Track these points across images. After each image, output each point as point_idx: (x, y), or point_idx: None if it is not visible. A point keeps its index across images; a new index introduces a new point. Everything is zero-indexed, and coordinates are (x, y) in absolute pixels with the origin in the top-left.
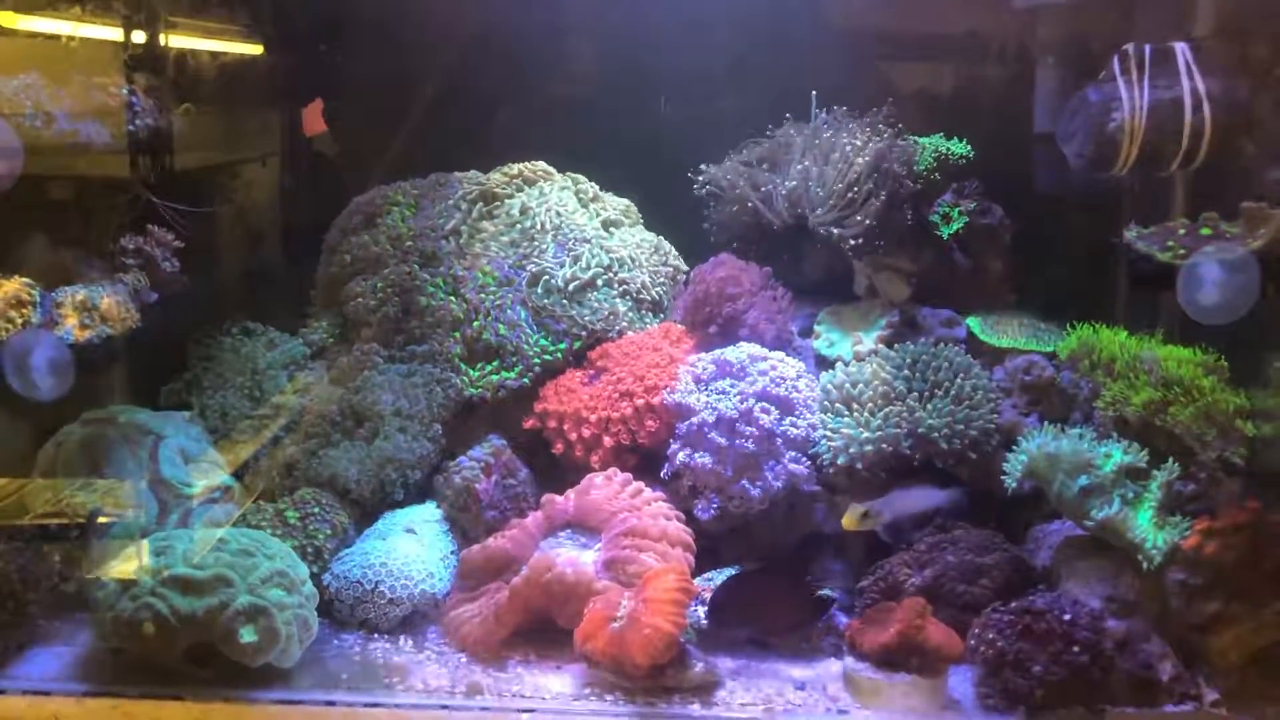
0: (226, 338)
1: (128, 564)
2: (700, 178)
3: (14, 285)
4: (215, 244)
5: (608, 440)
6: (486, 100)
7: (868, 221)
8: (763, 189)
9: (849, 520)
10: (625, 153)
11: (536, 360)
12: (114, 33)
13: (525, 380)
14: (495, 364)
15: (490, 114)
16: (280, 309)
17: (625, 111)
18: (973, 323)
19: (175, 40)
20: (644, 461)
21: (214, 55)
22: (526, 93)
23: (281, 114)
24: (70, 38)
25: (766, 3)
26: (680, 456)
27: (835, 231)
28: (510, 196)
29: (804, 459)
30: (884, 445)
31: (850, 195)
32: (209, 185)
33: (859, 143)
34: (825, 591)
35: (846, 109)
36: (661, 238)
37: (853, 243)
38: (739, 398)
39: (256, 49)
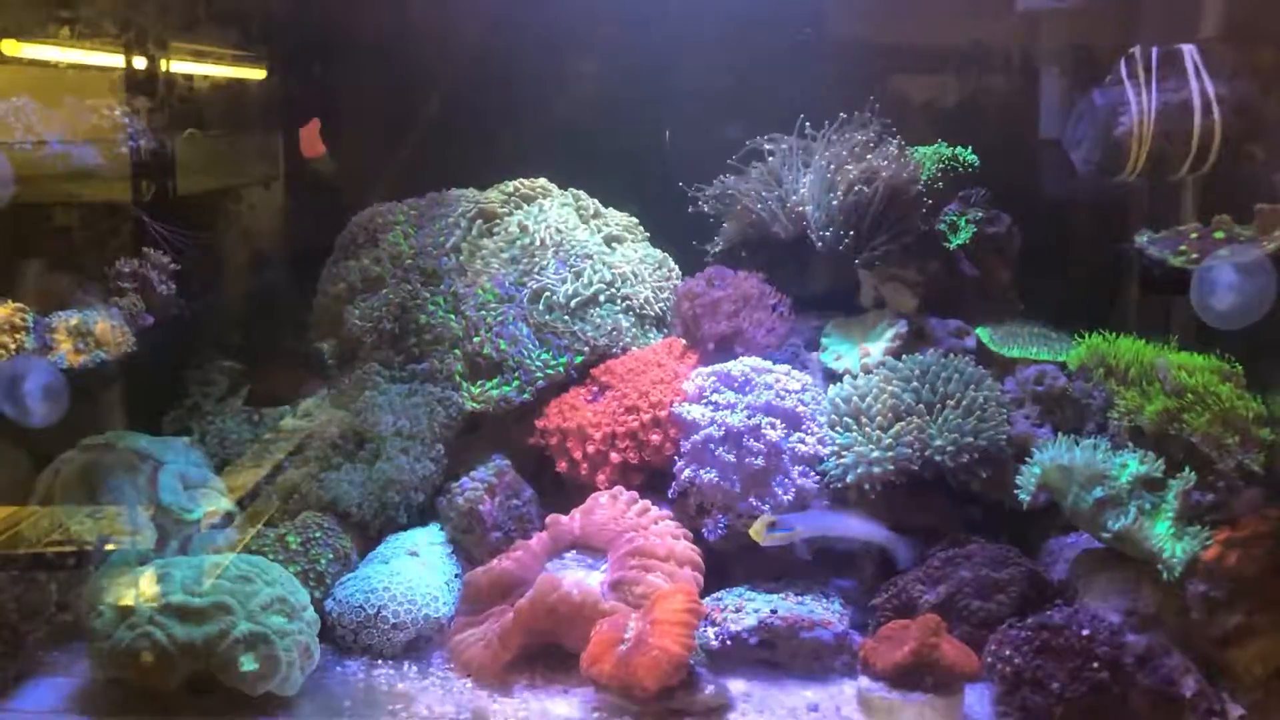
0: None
1: (126, 592)
2: (705, 192)
3: (6, 311)
4: (212, 267)
5: (614, 457)
6: (486, 119)
7: (872, 234)
8: (767, 202)
9: (754, 530)
10: (628, 166)
11: (540, 375)
12: (105, 56)
13: (526, 394)
14: (497, 380)
15: (490, 132)
16: (280, 331)
17: (629, 125)
18: (982, 333)
19: (166, 61)
20: (650, 479)
21: (206, 77)
22: (526, 111)
23: (278, 135)
24: (60, 61)
25: (770, 16)
26: (686, 474)
27: (833, 238)
28: (509, 214)
29: (812, 474)
30: (894, 466)
31: (854, 208)
32: (206, 208)
33: (863, 153)
34: None
35: (852, 120)
36: (666, 255)
37: (856, 259)
38: (746, 412)
39: (249, 70)
